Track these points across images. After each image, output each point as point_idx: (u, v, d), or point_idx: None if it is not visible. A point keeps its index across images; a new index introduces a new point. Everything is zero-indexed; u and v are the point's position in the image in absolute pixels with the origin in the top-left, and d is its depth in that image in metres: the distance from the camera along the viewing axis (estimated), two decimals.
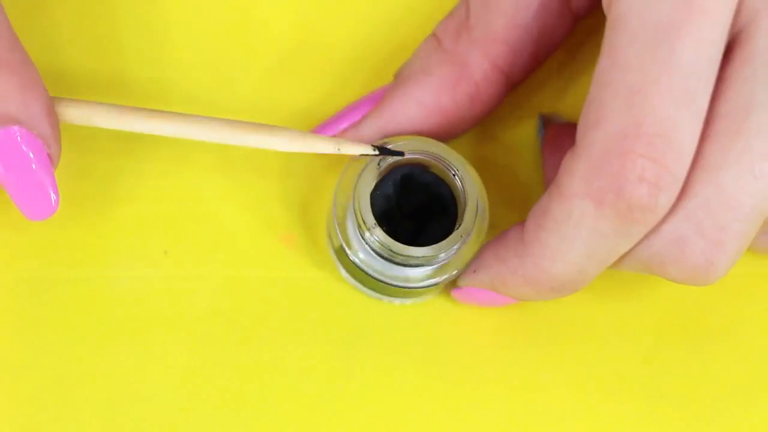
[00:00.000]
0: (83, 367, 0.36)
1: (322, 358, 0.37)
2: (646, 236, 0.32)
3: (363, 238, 0.34)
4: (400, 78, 0.37)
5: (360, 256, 0.35)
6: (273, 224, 0.38)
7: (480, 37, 0.36)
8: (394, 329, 0.37)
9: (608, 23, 0.31)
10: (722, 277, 0.32)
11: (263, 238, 0.38)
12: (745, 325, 0.37)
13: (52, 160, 0.33)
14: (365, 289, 0.37)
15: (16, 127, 0.32)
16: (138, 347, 0.37)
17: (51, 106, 0.33)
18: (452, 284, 0.37)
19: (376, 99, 0.37)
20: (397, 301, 0.37)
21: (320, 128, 0.37)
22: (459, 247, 0.34)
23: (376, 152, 0.34)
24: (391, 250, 0.34)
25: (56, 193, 0.34)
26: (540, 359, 0.37)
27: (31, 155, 0.33)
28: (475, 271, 0.35)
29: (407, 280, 0.35)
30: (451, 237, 0.34)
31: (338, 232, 0.35)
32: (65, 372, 0.36)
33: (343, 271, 0.37)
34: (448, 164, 0.34)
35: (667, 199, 0.31)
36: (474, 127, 0.38)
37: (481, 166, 0.36)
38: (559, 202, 0.32)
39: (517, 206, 0.38)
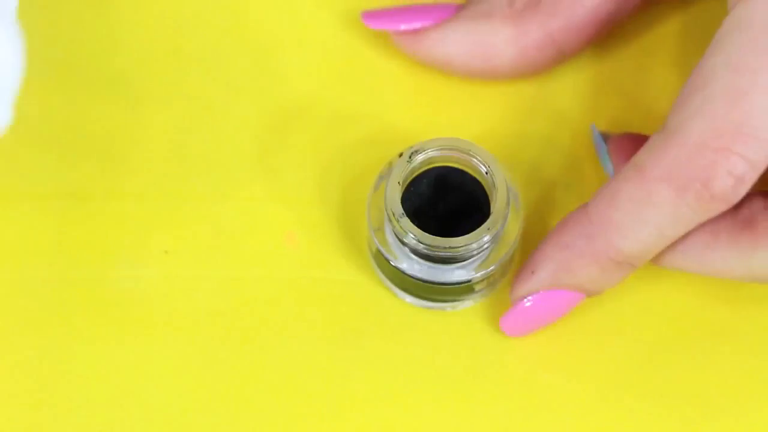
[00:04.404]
0: (83, 367, 0.37)
1: (322, 358, 0.37)
2: None
3: (395, 232, 0.35)
4: (468, 7, 0.38)
5: (403, 264, 0.35)
6: (273, 224, 0.38)
7: (544, 8, 0.37)
8: (394, 329, 0.37)
9: (729, 21, 0.32)
10: None
11: (263, 238, 0.38)
12: (745, 325, 0.37)
13: None
14: (408, 297, 0.37)
15: None
16: (138, 347, 0.37)
17: None
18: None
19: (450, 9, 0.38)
20: (435, 307, 0.37)
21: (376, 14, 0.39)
22: (491, 240, 0.34)
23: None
24: (420, 241, 0.34)
25: None
26: (540, 359, 0.37)
27: None
28: (533, 272, 0.35)
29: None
30: (480, 228, 0.34)
31: (375, 239, 0.36)
32: (65, 371, 0.36)
33: (385, 280, 0.37)
34: (478, 160, 0.35)
35: (746, 190, 0.32)
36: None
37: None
38: (638, 181, 0.33)
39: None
